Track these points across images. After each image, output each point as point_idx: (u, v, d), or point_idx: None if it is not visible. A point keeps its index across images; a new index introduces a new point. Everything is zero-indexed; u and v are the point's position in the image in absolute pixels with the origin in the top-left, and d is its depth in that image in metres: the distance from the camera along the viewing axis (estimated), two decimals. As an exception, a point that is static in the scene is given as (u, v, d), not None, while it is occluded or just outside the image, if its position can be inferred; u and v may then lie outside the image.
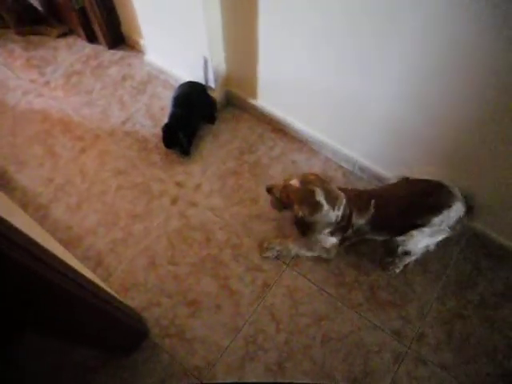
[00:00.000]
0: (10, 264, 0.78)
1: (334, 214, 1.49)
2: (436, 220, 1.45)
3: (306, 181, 1.48)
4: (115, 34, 2.42)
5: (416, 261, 1.66)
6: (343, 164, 1.96)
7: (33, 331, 1.32)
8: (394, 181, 1.66)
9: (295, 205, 1.49)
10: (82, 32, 2.44)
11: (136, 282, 1.70)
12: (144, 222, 1.84)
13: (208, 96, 2.05)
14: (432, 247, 1.58)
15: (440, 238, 1.53)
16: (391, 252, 1.65)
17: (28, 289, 0.90)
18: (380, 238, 1.66)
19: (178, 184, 1.94)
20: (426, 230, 1.49)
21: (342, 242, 1.64)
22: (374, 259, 1.73)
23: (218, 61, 1.94)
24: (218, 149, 2.05)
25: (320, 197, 1.45)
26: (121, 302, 1.43)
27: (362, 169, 1.89)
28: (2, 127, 2.15)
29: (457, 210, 1.46)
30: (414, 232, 1.50)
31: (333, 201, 1.48)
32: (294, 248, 1.70)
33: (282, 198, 1.56)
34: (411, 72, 1.38)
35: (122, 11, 2.29)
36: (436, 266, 1.70)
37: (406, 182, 1.58)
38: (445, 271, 1.70)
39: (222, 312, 1.62)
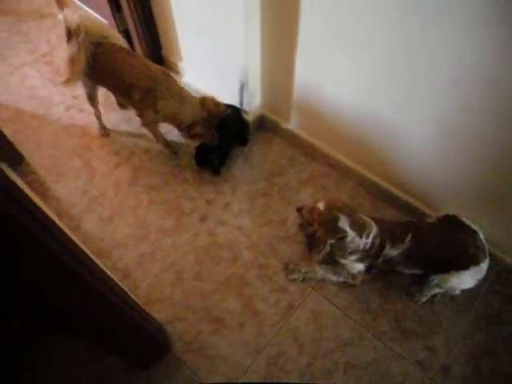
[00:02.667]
0: (59, 265, 0.86)
1: (361, 241, 1.55)
2: (474, 269, 1.51)
3: (331, 205, 1.56)
4: (155, 56, 2.59)
5: (443, 292, 1.69)
6: (372, 191, 2.02)
7: (64, 332, 1.39)
8: (435, 217, 1.71)
9: (316, 226, 1.57)
10: (124, 53, 2.62)
11: (162, 295, 1.78)
12: (173, 237, 1.94)
13: (242, 119, 2.17)
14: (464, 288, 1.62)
15: (473, 283, 1.57)
16: (420, 281, 1.68)
17: (69, 290, 0.98)
18: (411, 272, 1.70)
19: (208, 202, 2.04)
20: (465, 273, 1.53)
21: (369, 269, 1.69)
22: (401, 287, 1.76)
23: (254, 85, 2.06)
24: (248, 170, 2.15)
25: (344, 224, 1.52)
26: (147, 313, 1.51)
27: (392, 197, 1.95)
28: (45, 139, 2.32)
29: (486, 267, 1.54)
30: (452, 275, 1.55)
31: (360, 228, 1.55)
32: (320, 272, 1.75)
33: (309, 220, 1.63)
34: (449, 106, 1.44)
35: (164, 34, 2.46)
36: (464, 298, 1.71)
37: (448, 222, 1.63)
38: (473, 304, 1.71)
39: (245, 331, 1.68)
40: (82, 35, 1.85)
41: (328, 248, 1.59)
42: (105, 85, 2.09)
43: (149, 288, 1.81)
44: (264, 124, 2.29)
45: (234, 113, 2.15)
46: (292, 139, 2.20)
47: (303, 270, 1.77)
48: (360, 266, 1.66)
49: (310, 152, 2.16)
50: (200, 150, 2.07)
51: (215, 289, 1.79)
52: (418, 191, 1.84)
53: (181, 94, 1.91)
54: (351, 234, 1.53)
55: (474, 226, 1.56)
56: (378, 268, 1.68)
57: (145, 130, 2.17)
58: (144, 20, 2.36)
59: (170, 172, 2.16)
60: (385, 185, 1.94)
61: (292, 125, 2.15)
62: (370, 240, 1.56)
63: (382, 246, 1.58)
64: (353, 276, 1.71)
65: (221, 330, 1.68)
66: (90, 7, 2.63)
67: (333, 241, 1.57)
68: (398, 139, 1.71)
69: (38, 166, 2.23)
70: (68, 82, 2.00)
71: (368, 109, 1.72)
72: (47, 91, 2.55)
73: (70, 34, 1.91)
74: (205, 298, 1.77)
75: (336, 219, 1.53)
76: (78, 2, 2.71)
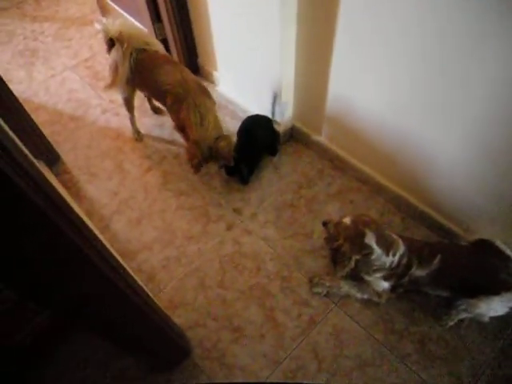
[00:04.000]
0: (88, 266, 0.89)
1: (388, 259, 1.54)
2: (505, 295, 1.47)
3: (358, 221, 1.56)
4: (191, 65, 2.66)
5: (472, 317, 1.64)
6: (402, 209, 1.99)
7: (85, 330, 1.43)
8: (467, 241, 1.67)
9: (342, 241, 1.57)
10: (161, 60, 2.70)
11: (184, 300, 1.80)
12: (198, 243, 1.97)
13: (273, 129, 2.19)
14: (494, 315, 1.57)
15: (504, 311, 1.52)
16: (447, 304, 1.64)
17: (93, 289, 1.01)
18: (438, 294, 1.66)
19: (235, 211, 2.06)
20: (495, 299, 1.49)
21: (395, 288, 1.66)
22: (427, 309, 1.72)
23: (287, 97, 2.09)
24: (277, 180, 2.16)
25: (370, 240, 1.51)
26: (168, 316, 1.53)
27: (423, 217, 1.92)
28: (81, 140, 2.41)
29: None
30: (481, 300, 1.51)
31: (387, 246, 1.53)
32: (345, 287, 1.74)
33: (334, 234, 1.63)
34: (488, 124, 1.42)
35: (200, 44, 2.53)
36: (494, 325, 1.66)
37: (480, 246, 1.59)
38: (504, 332, 1.65)
39: (265, 342, 1.68)
40: (126, 43, 1.95)
41: (353, 264, 1.58)
42: (143, 89, 2.18)
43: (172, 292, 1.84)
44: (295, 135, 2.31)
45: (266, 123, 2.18)
46: (322, 152, 2.21)
47: (327, 285, 1.76)
48: (385, 284, 1.64)
49: (340, 166, 2.16)
50: (230, 158, 2.10)
51: (237, 298, 1.80)
52: (451, 211, 1.81)
53: (204, 115, 1.92)
54: (377, 250, 1.52)
55: (508, 252, 1.51)
56: (404, 287, 1.65)
57: (177, 136, 2.23)
58: (182, 29, 2.43)
59: (199, 179, 2.20)
60: (416, 203, 1.91)
61: (323, 137, 2.16)
62: (396, 258, 1.54)
63: (408, 266, 1.56)
64: (378, 294, 1.69)
65: (240, 340, 1.69)
66: (131, 16, 2.74)
67: (358, 257, 1.56)
68: (432, 157, 1.69)
69: (73, 165, 2.32)
70: (110, 87, 2.14)
71: (402, 126, 1.71)
72: (86, 94, 2.66)
73: (111, 42, 2.01)
74: (226, 306, 1.78)
75: (362, 234, 1.52)
76: (120, 10, 2.83)
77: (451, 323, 1.65)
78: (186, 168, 2.24)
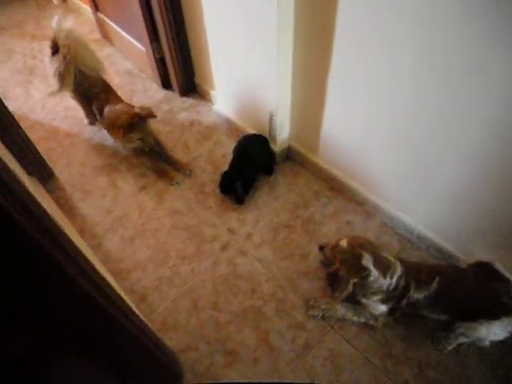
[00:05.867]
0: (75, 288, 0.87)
1: (385, 282, 1.52)
2: (505, 320, 1.44)
3: (354, 243, 1.55)
4: (188, 84, 2.69)
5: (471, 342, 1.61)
6: (400, 231, 1.98)
7: (72, 351, 1.38)
8: (467, 264, 1.65)
9: (338, 264, 1.55)
10: (158, 78, 2.72)
11: (176, 322, 1.77)
12: (192, 264, 1.94)
13: (269, 149, 2.20)
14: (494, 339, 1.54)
15: (504, 335, 1.49)
16: (446, 328, 1.62)
17: (81, 311, 0.97)
18: (436, 317, 1.63)
19: (230, 231, 2.04)
20: (496, 324, 1.46)
21: (392, 311, 1.64)
22: (425, 333, 1.69)
23: (283, 117, 2.10)
24: (272, 200, 2.15)
25: (368, 262, 1.50)
26: (160, 340, 1.49)
27: (421, 238, 1.90)
28: (76, 157, 2.41)
29: None
30: (481, 324, 1.48)
31: (384, 268, 1.52)
32: (341, 310, 1.71)
33: (331, 258, 1.62)
34: (493, 143, 1.42)
35: (197, 64, 2.56)
36: (494, 350, 1.63)
37: (480, 268, 1.56)
38: (505, 357, 1.62)
39: (259, 366, 1.63)
40: (70, 60, 2.18)
41: (351, 287, 1.56)
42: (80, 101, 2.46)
43: (164, 313, 1.80)
44: (291, 155, 2.31)
45: (262, 142, 2.18)
46: (319, 172, 2.20)
47: (323, 307, 1.73)
48: (383, 308, 1.61)
49: (337, 187, 2.16)
50: (225, 177, 2.09)
51: (231, 320, 1.76)
52: (449, 233, 1.79)
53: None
54: (375, 273, 1.50)
55: (507, 275, 1.49)
56: (402, 311, 1.63)
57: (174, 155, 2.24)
58: (180, 49, 2.46)
59: (194, 198, 2.18)
60: (413, 224, 1.90)
61: (320, 158, 2.16)
62: (394, 280, 1.52)
63: (406, 288, 1.53)
64: (375, 317, 1.66)
65: (234, 364, 1.65)
66: (130, 34, 2.77)
67: (356, 279, 1.54)
68: (429, 179, 1.69)
69: (67, 182, 2.30)
70: (56, 94, 2.37)
71: (398, 148, 1.72)
72: (82, 112, 2.66)
73: (56, 47, 2.21)
74: (220, 329, 1.74)
75: (359, 257, 1.50)
76: (119, 29, 2.86)
77: (450, 348, 1.61)
78: (181, 187, 2.23)
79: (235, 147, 2.21)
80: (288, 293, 1.83)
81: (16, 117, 1.99)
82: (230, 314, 1.78)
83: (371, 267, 1.49)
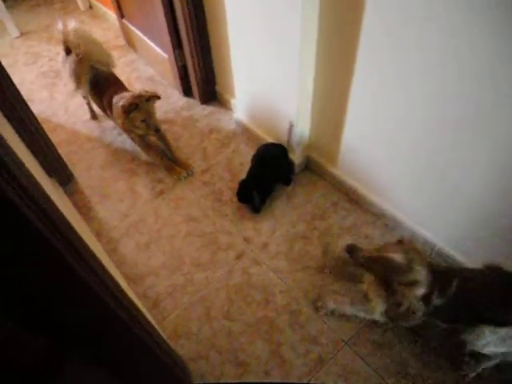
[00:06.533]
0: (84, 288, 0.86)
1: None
2: None
3: (407, 255, 1.42)
4: (209, 91, 2.70)
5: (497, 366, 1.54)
6: (419, 246, 1.93)
7: (81, 358, 1.38)
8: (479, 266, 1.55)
9: (400, 288, 1.42)
10: (180, 86, 2.75)
11: (188, 330, 1.76)
12: (206, 271, 1.93)
13: (287, 158, 2.18)
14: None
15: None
16: (458, 348, 1.56)
17: (92, 316, 0.97)
18: (443, 325, 1.57)
19: (246, 240, 2.03)
20: (501, 332, 1.38)
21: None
22: (441, 352, 1.64)
23: (303, 127, 2.09)
24: (290, 211, 2.13)
25: (421, 277, 1.39)
26: (170, 347, 1.48)
27: (441, 254, 1.85)
28: (96, 160, 2.44)
29: None
30: (486, 330, 1.40)
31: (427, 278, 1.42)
32: (352, 310, 1.72)
33: (372, 267, 1.50)
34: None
35: (219, 72, 2.58)
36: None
37: (494, 271, 1.48)
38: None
39: (270, 379, 1.61)
40: (83, 59, 2.29)
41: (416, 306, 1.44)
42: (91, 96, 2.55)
43: (176, 320, 1.79)
44: (309, 165, 2.29)
45: (281, 152, 2.17)
46: (337, 184, 2.18)
47: (331, 308, 1.74)
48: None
49: (356, 199, 2.13)
50: (243, 186, 2.09)
51: (243, 330, 1.74)
52: (468, 249, 1.75)
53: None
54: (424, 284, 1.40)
55: None
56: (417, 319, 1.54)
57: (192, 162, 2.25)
58: (202, 56, 2.48)
59: (211, 205, 2.18)
60: (434, 240, 1.85)
61: (339, 169, 2.14)
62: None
63: (430, 294, 1.43)
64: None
65: (245, 376, 1.62)
66: (153, 41, 2.81)
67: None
68: (451, 194, 1.65)
69: (86, 186, 2.34)
70: (75, 90, 2.47)
71: (420, 161, 1.69)
72: (103, 115, 2.70)
73: (68, 49, 2.34)
74: (232, 339, 1.72)
75: (415, 272, 1.38)
76: (143, 36, 2.91)
77: (471, 374, 1.55)
78: (198, 193, 2.24)
79: (254, 156, 2.20)
80: (302, 305, 1.80)
81: (39, 120, 2.03)
82: (243, 324, 1.76)
83: (423, 280, 1.39)
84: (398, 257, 1.40)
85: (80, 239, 0.82)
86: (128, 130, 2.29)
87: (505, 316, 1.39)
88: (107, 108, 2.32)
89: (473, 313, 1.45)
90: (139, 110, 2.15)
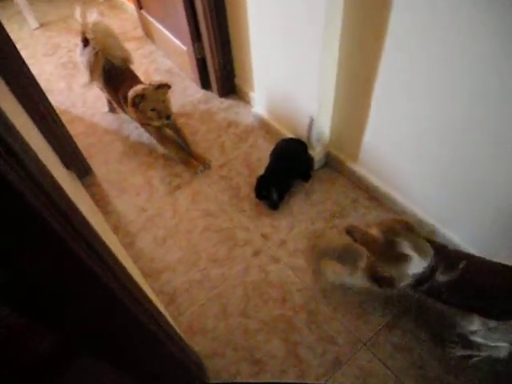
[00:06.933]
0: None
1: (422, 266, 1.41)
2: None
3: (386, 229, 1.43)
4: (228, 85, 2.67)
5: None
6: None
7: (94, 353, 1.38)
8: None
9: (377, 261, 1.46)
10: (198, 78, 2.73)
11: (204, 327, 1.75)
12: (223, 267, 1.92)
13: (307, 154, 2.15)
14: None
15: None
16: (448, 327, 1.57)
17: (106, 311, 0.96)
18: (454, 307, 1.53)
19: (264, 236, 2.01)
20: (491, 324, 1.37)
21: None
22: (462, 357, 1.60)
23: (324, 122, 2.05)
24: (308, 207, 2.10)
25: (406, 248, 1.38)
26: (185, 344, 1.47)
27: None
28: (114, 154, 2.44)
29: None
30: (476, 319, 1.39)
31: (421, 251, 1.40)
32: (350, 280, 1.73)
33: (365, 244, 1.53)
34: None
35: (238, 65, 2.54)
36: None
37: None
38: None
39: (286, 379, 1.59)
40: (99, 51, 2.30)
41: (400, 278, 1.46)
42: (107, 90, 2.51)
43: (192, 316, 1.79)
44: (329, 161, 2.25)
45: (300, 147, 2.14)
46: (358, 180, 2.14)
47: (331, 278, 1.79)
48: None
49: (376, 196, 2.08)
50: (261, 182, 2.06)
51: (260, 329, 1.73)
52: (489, 249, 1.69)
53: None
54: (415, 258, 1.39)
55: None
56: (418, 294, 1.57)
57: (209, 156, 2.24)
58: (221, 49, 2.45)
59: (228, 200, 2.17)
60: (460, 243, 1.80)
61: (359, 165, 2.10)
62: (426, 264, 1.41)
63: (432, 272, 1.42)
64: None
65: (261, 374, 1.61)
66: (172, 34, 2.79)
67: (394, 270, 1.44)
68: (480, 194, 1.60)
69: (104, 179, 2.34)
70: (89, 83, 2.49)
71: (450, 163, 1.63)
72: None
73: (86, 40, 2.34)
74: (248, 337, 1.71)
75: (395, 245, 1.39)
76: (162, 28, 2.88)
77: (456, 353, 1.55)
78: (215, 188, 2.22)
79: (272, 151, 2.18)
80: (320, 305, 1.78)
81: (58, 111, 2.03)
82: (259, 322, 1.75)
83: (411, 253, 1.38)
84: (373, 230, 1.45)
85: (92, 231, 0.80)
86: (143, 123, 2.29)
87: (502, 310, 1.37)
88: (123, 102, 2.31)
89: (473, 299, 1.43)
90: (146, 99, 2.14)
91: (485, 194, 1.58)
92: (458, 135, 1.53)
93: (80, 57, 2.41)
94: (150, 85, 2.15)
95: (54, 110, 2.01)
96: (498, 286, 1.39)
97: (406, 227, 1.44)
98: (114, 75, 2.36)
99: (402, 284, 1.47)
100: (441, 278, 1.41)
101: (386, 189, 2.02)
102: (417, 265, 1.40)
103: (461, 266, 1.38)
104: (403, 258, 1.40)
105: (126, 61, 2.43)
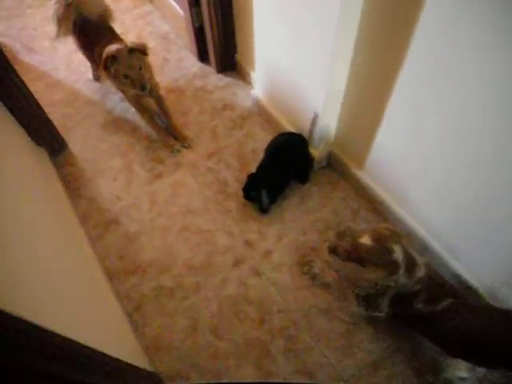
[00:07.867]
0: None
1: (405, 281, 1.36)
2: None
3: (379, 237, 1.37)
4: (227, 60, 2.39)
5: None
6: (446, 276, 1.67)
7: None
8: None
9: (370, 268, 1.38)
10: (195, 49, 2.44)
11: (170, 343, 1.58)
12: (198, 276, 1.73)
13: (307, 153, 1.90)
14: None
15: None
16: None
17: None
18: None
19: (248, 244, 1.80)
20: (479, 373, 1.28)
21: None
22: None
23: (330, 120, 1.79)
24: (302, 215, 1.87)
25: (398, 255, 1.33)
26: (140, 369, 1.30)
27: (469, 289, 1.59)
28: (93, 128, 2.24)
29: None
30: (461, 364, 1.32)
31: (410, 265, 1.35)
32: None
33: (351, 260, 1.45)
34: None
35: (240, 39, 2.25)
36: None
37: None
38: None
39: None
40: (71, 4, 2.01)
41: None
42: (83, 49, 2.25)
43: (158, 330, 1.62)
44: (332, 164, 2.00)
45: (300, 144, 1.89)
46: (361, 188, 1.90)
47: (315, 272, 1.68)
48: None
49: (380, 210, 1.85)
50: (251, 181, 1.83)
51: (232, 352, 1.55)
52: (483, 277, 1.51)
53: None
54: (402, 269, 1.34)
55: None
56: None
57: (196, 146, 1.99)
58: (222, 19, 2.15)
59: (214, 197, 1.94)
60: (464, 274, 1.59)
61: (365, 173, 1.85)
62: (412, 282, 1.36)
63: (415, 296, 1.37)
64: None
65: (225, 407, 1.45)
66: (171, -5, 2.47)
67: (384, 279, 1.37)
68: (497, 229, 1.37)
69: (80, 157, 2.13)
70: (55, 38, 2.19)
71: (464, 182, 1.39)
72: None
73: None
74: (217, 360, 1.54)
75: (389, 252, 1.34)
76: (160, -13, 2.56)
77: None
78: (201, 181, 1.99)
79: (268, 145, 1.93)
80: (301, 331, 1.59)
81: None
82: (232, 344, 1.57)
83: (401, 262, 1.32)
84: (365, 239, 1.39)
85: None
86: (119, 88, 2.05)
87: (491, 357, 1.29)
88: (98, 61, 2.03)
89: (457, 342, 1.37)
90: (118, 62, 1.86)
91: (503, 232, 1.35)
92: (472, 157, 1.28)
93: (54, 5, 2.10)
94: (125, 47, 1.87)
95: (20, 78, 1.76)
96: (487, 332, 1.32)
97: (398, 235, 1.41)
98: (90, 32, 2.07)
99: (387, 295, 1.42)
100: (419, 306, 1.37)
101: (392, 203, 1.78)
102: (403, 275, 1.35)
103: (444, 304, 1.34)
104: (393, 265, 1.34)
105: (104, 17, 2.12)
